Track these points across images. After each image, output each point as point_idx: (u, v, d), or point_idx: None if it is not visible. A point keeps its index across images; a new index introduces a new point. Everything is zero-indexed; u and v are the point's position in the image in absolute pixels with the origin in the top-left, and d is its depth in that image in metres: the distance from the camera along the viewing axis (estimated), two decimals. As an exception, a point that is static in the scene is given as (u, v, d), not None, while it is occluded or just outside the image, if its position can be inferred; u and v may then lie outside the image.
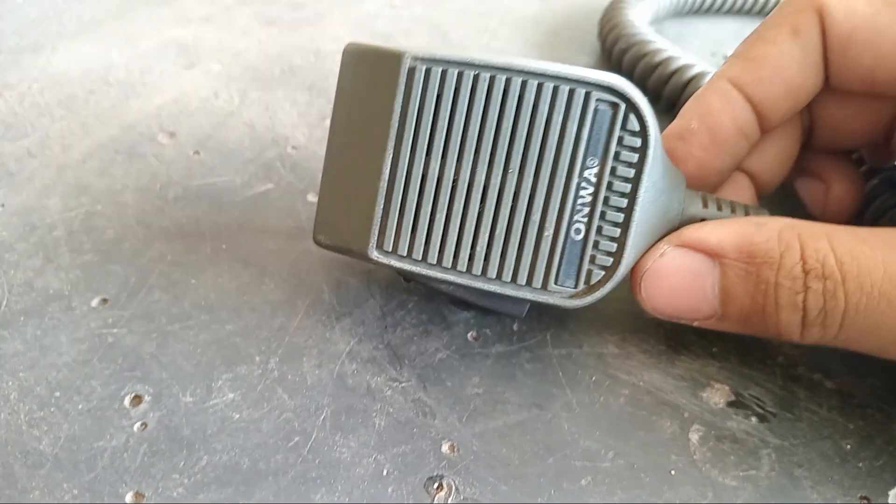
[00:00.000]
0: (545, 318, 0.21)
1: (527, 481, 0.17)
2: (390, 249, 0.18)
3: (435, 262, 0.18)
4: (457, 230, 0.18)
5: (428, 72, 0.17)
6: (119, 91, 0.28)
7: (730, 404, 0.20)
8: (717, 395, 0.20)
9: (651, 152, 0.17)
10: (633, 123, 0.17)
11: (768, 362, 0.21)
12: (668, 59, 0.28)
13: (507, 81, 0.17)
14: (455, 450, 0.18)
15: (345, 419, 0.18)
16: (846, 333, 0.17)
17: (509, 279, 0.18)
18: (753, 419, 0.19)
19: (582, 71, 0.17)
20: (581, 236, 0.18)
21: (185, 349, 0.19)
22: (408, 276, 0.21)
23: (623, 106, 0.17)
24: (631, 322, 0.21)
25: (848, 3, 0.19)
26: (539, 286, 0.18)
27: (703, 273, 0.18)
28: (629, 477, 0.18)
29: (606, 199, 0.17)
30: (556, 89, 0.17)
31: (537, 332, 0.21)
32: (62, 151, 0.25)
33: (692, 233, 0.18)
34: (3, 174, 0.24)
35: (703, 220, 0.19)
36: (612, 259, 0.18)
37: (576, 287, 0.18)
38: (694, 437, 0.19)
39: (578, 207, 0.17)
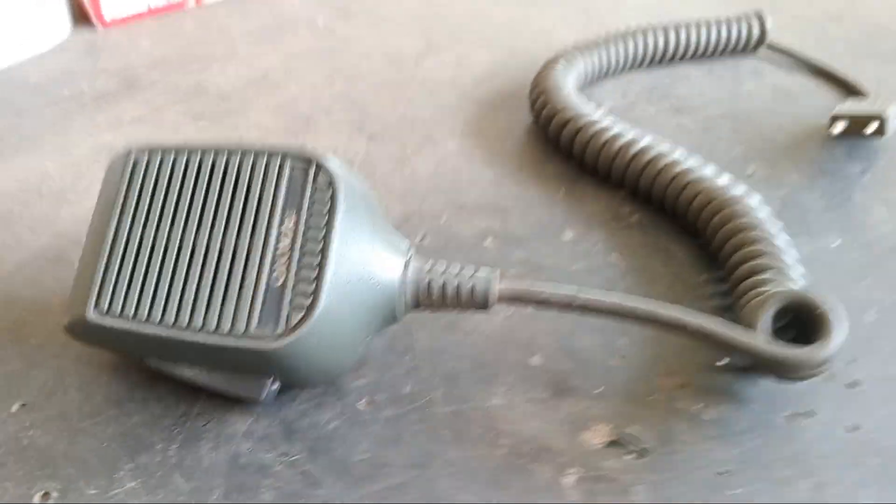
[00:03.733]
0: (435, 378, 0.22)
1: (403, 541, 0.18)
2: (105, 310, 0.19)
3: (146, 318, 0.19)
4: (167, 285, 0.19)
5: (148, 158, 0.21)
6: (52, 201, 0.30)
7: (609, 444, 0.20)
8: (596, 436, 0.21)
9: (341, 202, 0.19)
10: (323, 181, 0.19)
11: (649, 399, 0.22)
12: (600, 129, 0.30)
13: (215, 159, 0.20)
14: (338, 516, 0.19)
15: (235, 497, 0.19)
16: None
17: (214, 328, 0.19)
18: (630, 457, 0.20)
19: (275, 144, 0.20)
20: (280, 283, 0.19)
21: (93, 444, 0.21)
22: (136, 354, 0.21)
23: (313, 167, 0.20)
24: (519, 372, 0.22)
25: None
26: (241, 332, 0.18)
27: None
28: (502, 527, 0.18)
29: (302, 247, 0.19)
30: (251, 160, 0.20)
31: (427, 392, 0.22)
32: (-6, 262, 0.27)
33: None
34: (-60, 293, 0.26)
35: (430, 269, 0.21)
36: (309, 300, 0.18)
37: (276, 329, 0.18)
38: (569, 480, 0.19)
39: (278, 257, 0.19)
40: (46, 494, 0.19)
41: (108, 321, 0.19)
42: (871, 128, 0.30)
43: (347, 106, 0.36)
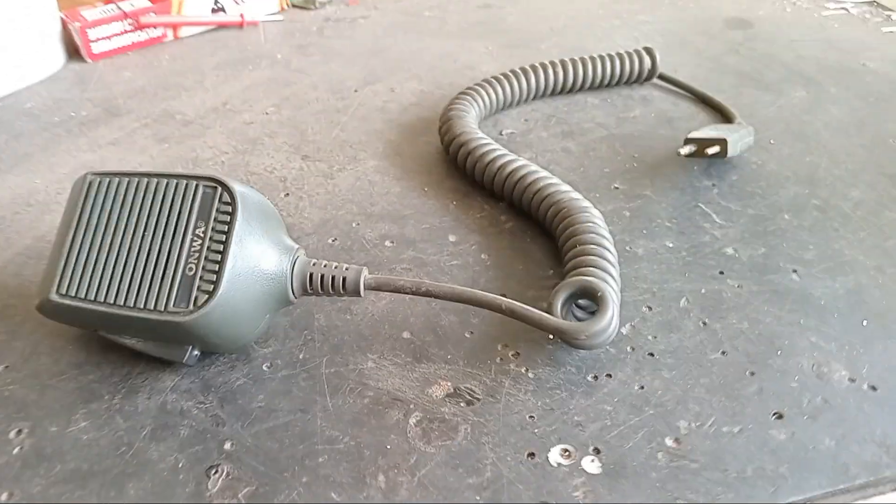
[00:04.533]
0: (325, 347, 0.29)
1: (279, 462, 0.24)
2: (65, 292, 0.26)
3: (94, 298, 0.25)
4: (109, 274, 0.26)
5: (100, 181, 0.27)
6: (37, 210, 0.37)
7: (448, 395, 0.27)
8: (439, 390, 0.27)
9: (239, 215, 0.26)
10: (226, 199, 0.26)
11: (487, 363, 0.28)
12: (486, 152, 0.36)
13: (148, 182, 0.27)
14: (234, 446, 0.25)
15: (160, 433, 0.26)
16: None
17: (143, 306, 0.25)
18: (462, 404, 0.26)
19: (195, 172, 0.27)
20: (192, 273, 0.25)
21: (57, 395, 0.27)
22: (90, 327, 0.28)
23: (219, 189, 0.26)
24: (391, 343, 0.29)
25: None
26: (162, 309, 0.25)
27: None
28: (355, 453, 0.25)
29: (209, 247, 0.25)
30: (174, 184, 0.26)
31: (317, 358, 0.28)
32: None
33: None
34: (-55, 283, 0.32)
35: (314, 265, 0.27)
36: (212, 286, 0.25)
37: (187, 307, 0.25)
38: (412, 421, 0.26)
39: (191, 254, 0.25)
40: (20, 431, 0.26)
41: (67, 301, 0.26)
42: (713, 150, 0.37)
43: (290, 130, 0.42)
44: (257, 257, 0.26)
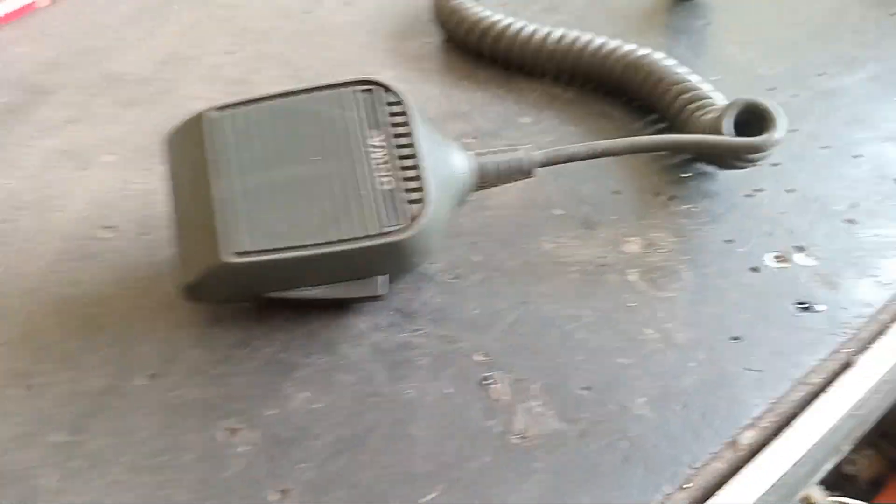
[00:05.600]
0: (493, 244, 0.27)
1: (546, 354, 0.23)
2: (242, 250, 0.21)
3: (284, 246, 0.22)
4: (292, 214, 0.22)
5: (224, 116, 0.23)
6: (35, 211, 0.30)
7: (645, 247, 0.27)
8: (633, 246, 0.27)
9: (415, 115, 0.23)
10: (391, 97, 0.23)
11: (652, 213, 0.28)
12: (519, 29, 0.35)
13: (290, 102, 0.23)
14: (486, 356, 0.23)
15: (398, 371, 0.23)
16: None
17: (350, 236, 0.22)
18: (663, 251, 0.26)
19: (340, 79, 0.23)
20: (390, 186, 0.22)
21: (245, 381, 0.23)
22: (266, 292, 0.23)
23: (377, 89, 0.23)
24: (552, 222, 0.28)
25: None
26: (375, 232, 0.22)
27: None
28: (606, 318, 0.24)
29: (397, 153, 0.23)
30: (324, 96, 0.23)
31: (494, 256, 0.27)
32: (21, 280, 0.27)
33: None
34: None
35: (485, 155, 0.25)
36: (419, 193, 0.22)
37: (401, 223, 0.22)
38: (633, 278, 0.26)
39: (377, 167, 0.22)
40: (233, 430, 0.22)
41: (247, 259, 0.21)
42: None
43: (271, 63, 0.38)
44: (444, 158, 0.24)
